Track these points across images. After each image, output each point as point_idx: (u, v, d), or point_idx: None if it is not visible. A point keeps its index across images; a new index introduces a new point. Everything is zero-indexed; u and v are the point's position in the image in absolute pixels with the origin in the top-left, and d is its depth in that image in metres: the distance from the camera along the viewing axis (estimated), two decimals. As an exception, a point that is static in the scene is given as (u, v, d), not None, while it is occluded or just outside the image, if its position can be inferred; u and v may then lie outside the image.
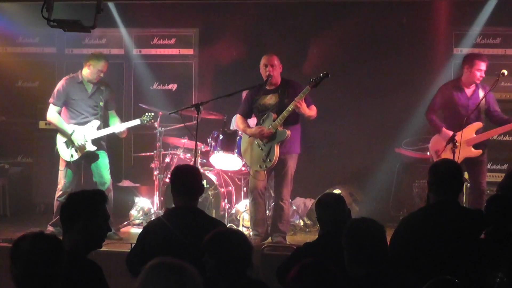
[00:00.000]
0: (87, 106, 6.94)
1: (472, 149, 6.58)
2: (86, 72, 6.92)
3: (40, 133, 8.39)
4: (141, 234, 4.16)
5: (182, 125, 6.95)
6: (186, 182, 4.14)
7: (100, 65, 6.89)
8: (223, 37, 8.85)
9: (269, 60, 6.50)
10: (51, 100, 6.93)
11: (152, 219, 6.84)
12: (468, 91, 6.75)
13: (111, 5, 8.46)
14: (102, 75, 6.93)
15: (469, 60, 6.73)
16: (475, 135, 6.59)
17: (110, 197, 6.92)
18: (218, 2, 8.66)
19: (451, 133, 6.49)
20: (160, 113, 7.52)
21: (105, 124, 7.03)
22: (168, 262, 2.45)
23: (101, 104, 6.97)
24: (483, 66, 6.64)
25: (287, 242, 6.45)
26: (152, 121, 7.21)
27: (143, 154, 8.05)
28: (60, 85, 6.94)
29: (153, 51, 9.08)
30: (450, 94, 6.78)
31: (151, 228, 4.15)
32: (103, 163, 6.98)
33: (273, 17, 8.75)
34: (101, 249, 6.18)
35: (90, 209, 3.33)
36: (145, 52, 9.09)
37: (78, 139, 6.82)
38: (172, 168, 7.65)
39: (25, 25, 8.74)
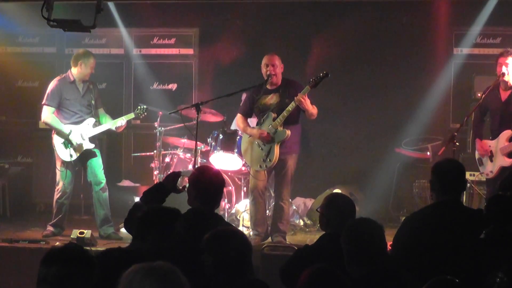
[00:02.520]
0: (81, 105, 6.93)
1: (506, 158, 6.19)
2: (77, 71, 6.89)
3: (40, 133, 8.38)
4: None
5: (182, 125, 6.95)
6: (216, 191, 4.08)
7: (91, 62, 6.90)
8: (223, 37, 8.85)
9: (270, 59, 6.50)
10: (44, 101, 6.89)
11: None
12: (504, 95, 6.33)
13: (111, 5, 8.46)
14: (93, 71, 6.94)
15: (496, 60, 6.35)
16: (508, 143, 6.21)
17: (106, 196, 6.92)
18: (218, 2, 8.66)
19: (481, 145, 6.36)
20: (160, 113, 7.52)
21: (98, 122, 7.03)
22: (151, 265, 2.44)
23: (93, 102, 6.97)
24: (503, 60, 6.23)
25: (287, 242, 6.45)
26: (145, 113, 7.23)
27: (143, 154, 8.04)
28: (53, 85, 6.90)
29: (153, 51, 9.09)
30: (485, 98, 6.38)
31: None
32: (97, 163, 6.96)
33: (273, 17, 8.76)
34: (101, 249, 6.21)
35: (164, 226, 3.40)
36: (145, 52, 9.09)
37: (75, 139, 6.81)
38: (172, 168, 7.67)
39: (25, 25, 8.74)
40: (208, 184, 4.06)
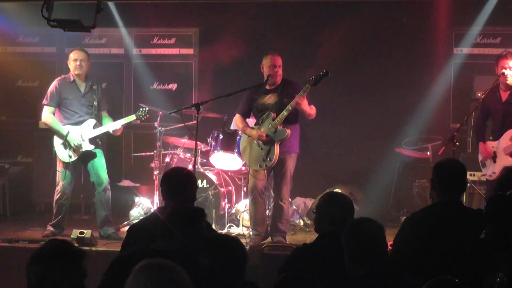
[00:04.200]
0: (82, 105, 6.92)
1: (509, 158, 6.14)
2: (71, 70, 6.95)
3: (40, 133, 8.39)
4: (127, 238, 4.16)
5: (182, 124, 6.95)
6: (177, 187, 4.17)
7: (70, 57, 6.94)
8: (223, 37, 8.85)
9: (276, 61, 6.49)
10: (44, 101, 6.90)
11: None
12: (504, 95, 6.32)
13: (111, 4, 8.46)
14: (81, 63, 6.89)
15: (495, 61, 6.35)
16: (511, 142, 6.17)
17: (108, 196, 6.92)
18: (218, 2, 8.67)
19: (485, 147, 6.31)
20: (160, 112, 7.52)
21: (99, 123, 7.01)
22: (158, 262, 2.45)
23: (95, 103, 6.96)
24: (506, 63, 6.18)
25: (287, 242, 6.45)
26: (147, 115, 7.21)
27: (143, 154, 8.04)
28: (53, 86, 6.92)
29: (153, 51, 9.09)
30: (486, 100, 6.38)
31: (140, 228, 4.16)
32: (100, 163, 6.96)
33: (273, 17, 8.76)
34: (101, 249, 6.23)
35: (189, 227, 3.45)
36: (145, 52, 9.09)
37: (74, 140, 6.80)
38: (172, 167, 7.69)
39: (25, 25, 8.74)
40: (172, 181, 4.21)
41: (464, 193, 6.79)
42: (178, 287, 2.42)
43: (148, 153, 7.82)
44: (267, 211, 6.91)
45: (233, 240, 3.33)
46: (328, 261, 3.57)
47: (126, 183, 8.49)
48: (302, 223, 7.58)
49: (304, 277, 2.78)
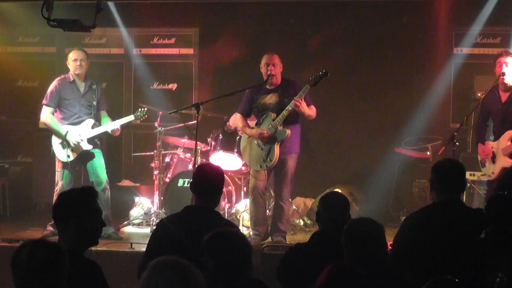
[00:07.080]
0: (81, 105, 6.92)
1: (507, 159, 6.14)
2: (71, 70, 6.94)
3: (40, 133, 8.38)
4: (153, 234, 4.09)
5: (182, 124, 6.95)
6: (202, 181, 4.09)
7: (70, 57, 6.93)
8: (223, 37, 8.85)
9: (270, 59, 6.50)
10: (44, 101, 6.90)
11: (158, 218, 6.95)
12: (504, 96, 6.29)
13: (111, 4, 8.45)
14: (81, 63, 6.88)
15: (493, 60, 6.33)
16: (509, 143, 6.14)
17: (107, 196, 6.90)
18: (218, 2, 8.67)
19: (483, 148, 6.30)
20: (160, 112, 7.52)
21: (98, 123, 7.00)
22: (172, 260, 2.46)
23: (94, 103, 6.95)
24: (502, 59, 6.18)
25: (287, 242, 6.45)
26: (146, 116, 7.19)
27: (143, 153, 8.05)
28: (52, 86, 6.92)
29: (153, 51, 9.10)
30: (485, 101, 6.35)
31: (163, 227, 4.10)
32: (99, 163, 6.95)
33: (273, 17, 8.76)
34: (101, 249, 6.22)
35: (81, 207, 3.28)
36: (145, 52, 9.10)
37: (72, 140, 6.80)
38: (172, 168, 7.69)
39: (25, 25, 8.75)
40: (204, 179, 4.08)
41: (464, 193, 6.86)
42: (189, 286, 2.42)
43: (148, 153, 7.82)
44: (267, 211, 6.91)
45: (235, 234, 3.34)
46: (322, 260, 3.57)
47: (126, 183, 8.49)
48: (302, 223, 7.59)
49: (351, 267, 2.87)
